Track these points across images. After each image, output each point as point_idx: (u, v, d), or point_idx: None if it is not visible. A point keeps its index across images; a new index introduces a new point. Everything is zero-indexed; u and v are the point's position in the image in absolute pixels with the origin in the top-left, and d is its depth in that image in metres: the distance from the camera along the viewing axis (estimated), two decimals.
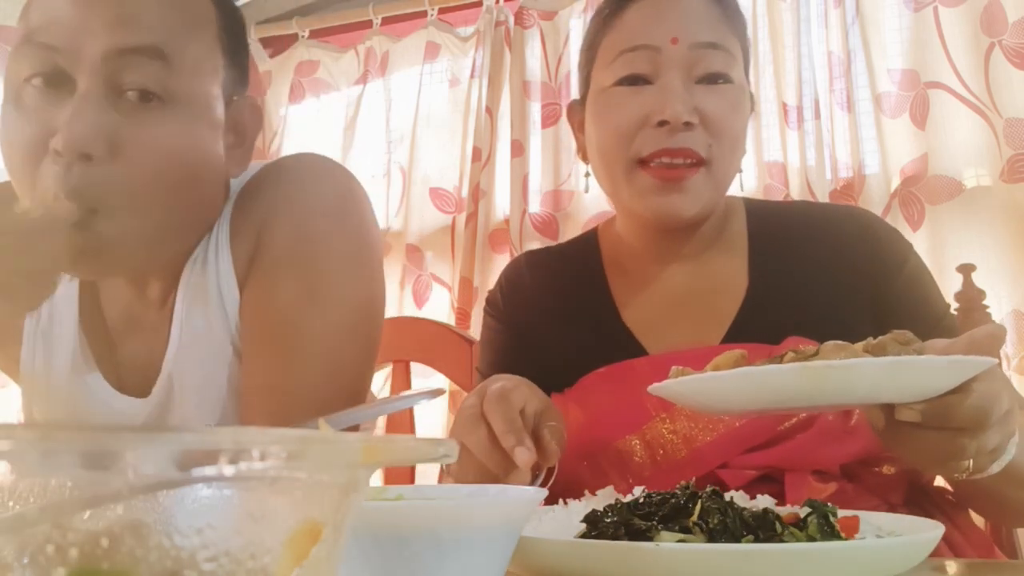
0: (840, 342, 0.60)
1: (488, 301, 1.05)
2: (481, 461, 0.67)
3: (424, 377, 1.38)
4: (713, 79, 0.87)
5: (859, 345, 0.59)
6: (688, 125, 0.84)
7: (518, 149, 1.92)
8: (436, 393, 0.68)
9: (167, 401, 0.79)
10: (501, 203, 1.95)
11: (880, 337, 0.60)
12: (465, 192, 1.96)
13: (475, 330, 1.70)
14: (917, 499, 0.82)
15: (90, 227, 0.66)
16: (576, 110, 0.99)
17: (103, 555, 0.19)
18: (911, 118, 1.67)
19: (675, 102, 0.84)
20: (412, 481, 1.26)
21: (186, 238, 0.77)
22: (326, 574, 0.25)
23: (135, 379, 0.81)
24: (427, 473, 1.40)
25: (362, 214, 0.82)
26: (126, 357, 0.82)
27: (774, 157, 1.74)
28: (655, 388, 0.62)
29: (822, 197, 1.67)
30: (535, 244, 1.85)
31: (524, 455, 0.63)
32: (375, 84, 2.12)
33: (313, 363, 0.75)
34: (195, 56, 0.71)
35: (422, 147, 2.03)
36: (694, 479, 0.60)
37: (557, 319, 0.96)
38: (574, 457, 0.81)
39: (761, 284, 0.90)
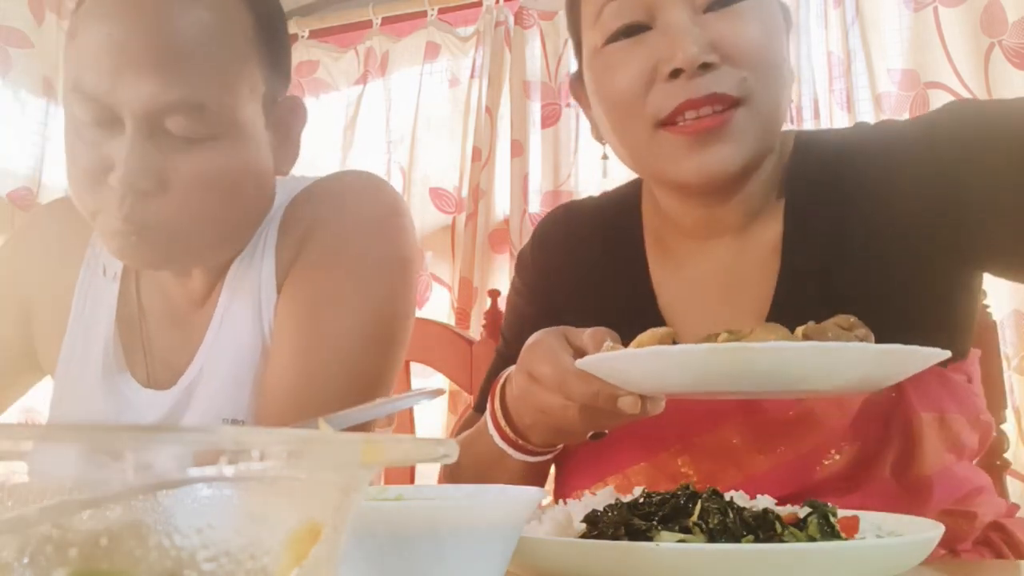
0: (777, 325, 0.56)
1: (518, 259, 0.95)
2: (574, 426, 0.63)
3: (423, 377, 1.38)
4: (724, 1, 0.70)
5: (799, 329, 0.56)
6: (707, 66, 0.68)
7: (518, 149, 1.92)
8: (436, 393, 0.68)
9: (190, 395, 0.82)
10: (501, 203, 1.95)
11: (823, 321, 0.57)
12: (465, 192, 1.96)
13: (475, 330, 1.70)
14: (993, 541, 0.74)
15: (142, 236, 0.73)
16: (577, 85, 0.83)
17: (103, 555, 0.19)
18: (911, 118, 1.67)
19: (684, 42, 0.68)
20: (412, 481, 1.26)
21: (233, 243, 0.82)
22: (326, 574, 0.25)
23: (164, 372, 0.84)
24: (427, 474, 1.40)
25: (402, 231, 0.85)
26: (160, 350, 0.85)
27: None
28: (581, 362, 0.59)
29: None
30: None
31: (629, 402, 0.58)
32: (375, 84, 2.13)
33: (332, 366, 0.77)
34: (235, 93, 0.74)
35: (422, 147, 2.04)
36: (694, 479, 0.59)
37: (586, 290, 0.85)
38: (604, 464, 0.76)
39: (797, 256, 0.74)
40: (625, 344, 0.61)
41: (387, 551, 0.44)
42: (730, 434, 0.72)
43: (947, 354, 0.54)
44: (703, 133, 0.70)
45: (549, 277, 0.88)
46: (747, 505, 0.55)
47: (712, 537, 0.50)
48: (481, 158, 1.94)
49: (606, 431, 0.70)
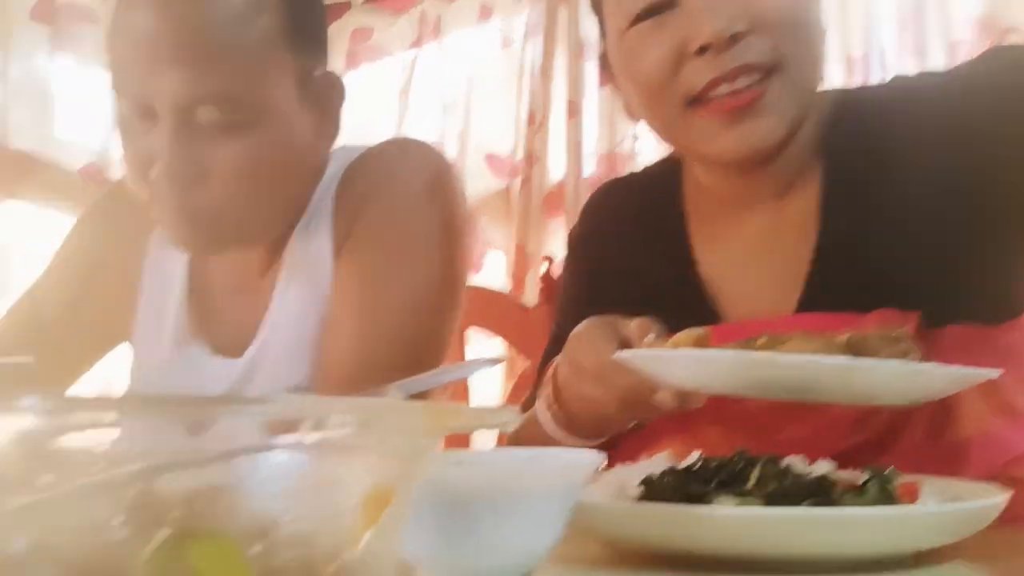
0: (817, 333, 0.55)
1: (568, 238, 0.96)
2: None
3: (480, 344, 1.40)
4: None
5: (842, 337, 0.54)
6: (736, 37, 0.66)
7: (573, 111, 1.90)
8: (496, 361, 0.70)
9: (256, 364, 0.85)
10: (555, 167, 1.94)
11: (869, 332, 0.55)
12: (519, 156, 1.95)
13: (530, 296, 1.71)
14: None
15: (193, 225, 0.76)
16: (604, 65, 0.83)
17: (200, 516, 0.20)
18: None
19: (710, 15, 0.66)
20: (468, 446, 1.29)
21: (284, 220, 0.84)
22: (395, 535, 0.26)
23: (231, 340, 0.88)
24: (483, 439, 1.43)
25: (452, 199, 0.86)
26: (226, 319, 0.89)
27: None
28: (617, 356, 0.60)
29: None
30: None
31: (666, 396, 0.59)
32: (429, 48, 2.12)
33: (388, 335, 0.80)
34: (264, 80, 0.76)
35: (476, 111, 2.03)
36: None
37: (630, 263, 0.84)
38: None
39: (836, 220, 0.72)
40: (668, 325, 0.62)
41: (447, 514, 0.46)
42: (763, 402, 0.69)
43: (993, 373, 0.52)
44: (737, 109, 0.68)
45: (596, 254, 0.89)
46: (804, 471, 0.55)
47: (770, 502, 0.50)
48: (535, 121, 1.93)
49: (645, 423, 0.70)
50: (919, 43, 1.62)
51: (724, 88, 0.68)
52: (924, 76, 0.82)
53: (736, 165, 0.75)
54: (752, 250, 0.78)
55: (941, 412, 0.68)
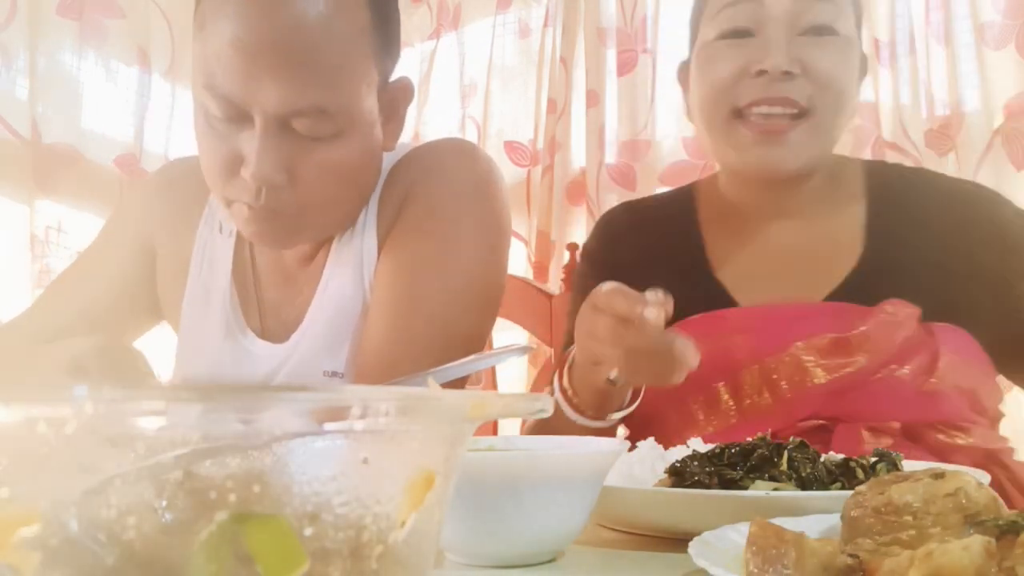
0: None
1: (584, 251, 1.07)
2: (610, 350, 0.67)
3: (503, 331, 1.40)
4: (818, 31, 0.86)
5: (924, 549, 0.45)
6: (788, 74, 0.84)
7: (593, 99, 1.89)
8: (525, 350, 0.71)
9: (299, 349, 0.88)
10: (577, 155, 1.93)
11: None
12: (540, 145, 1.95)
13: (553, 284, 1.71)
14: (995, 474, 0.80)
15: (275, 223, 0.79)
16: (684, 69, 0.99)
17: (255, 499, 0.21)
18: (1017, 49, 1.56)
19: (775, 51, 0.84)
20: (495, 433, 1.30)
21: (352, 218, 0.88)
22: (437, 517, 0.27)
23: (277, 326, 0.90)
24: (508, 426, 1.44)
25: (495, 198, 0.89)
26: (272, 305, 0.92)
27: (865, 96, 1.65)
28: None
29: (916, 137, 1.59)
30: (613, 196, 1.83)
31: (653, 312, 0.63)
32: (448, 38, 2.12)
33: (427, 324, 0.82)
34: (356, 92, 0.78)
35: (496, 100, 2.03)
36: (770, 431, 0.60)
37: (649, 271, 0.93)
38: (663, 398, 0.82)
39: (878, 250, 0.89)
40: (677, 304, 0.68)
41: (474, 500, 0.47)
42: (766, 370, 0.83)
43: None
44: (769, 134, 0.86)
45: (614, 261, 0.99)
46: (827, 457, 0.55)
47: (804, 486, 0.51)
48: (556, 109, 1.92)
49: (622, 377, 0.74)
50: (947, 25, 1.60)
51: (764, 109, 0.85)
52: (932, 176, 1.01)
53: (765, 180, 0.90)
54: (776, 258, 0.92)
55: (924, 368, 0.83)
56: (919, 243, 0.89)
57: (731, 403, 0.84)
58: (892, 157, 1.61)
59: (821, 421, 0.82)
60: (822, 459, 0.55)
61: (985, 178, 1.53)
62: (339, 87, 0.76)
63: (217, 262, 0.93)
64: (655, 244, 0.98)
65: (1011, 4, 1.57)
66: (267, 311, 0.91)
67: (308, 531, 0.22)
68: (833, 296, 0.86)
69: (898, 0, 1.64)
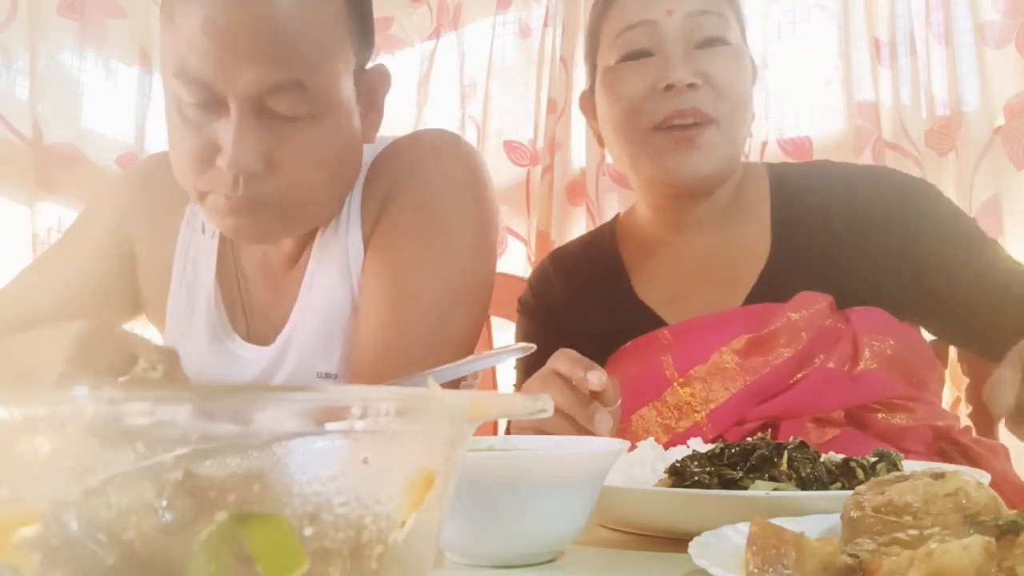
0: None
1: (520, 301, 1.11)
2: (562, 414, 0.68)
3: (502, 331, 1.40)
4: (711, 43, 0.93)
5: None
6: (692, 86, 0.90)
7: None
8: (526, 349, 0.70)
9: (287, 350, 0.86)
10: (577, 155, 1.93)
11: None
12: (540, 144, 1.95)
13: None
14: (948, 451, 0.85)
15: (253, 215, 0.76)
16: (587, 98, 1.04)
17: (255, 499, 0.21)
18: (1017, 49, 1.56)
19: (677, 65, 0.90)
20: (496, 433, 1.30)
21: (333, 211, 0.86)
22: (437, 517, 0.27)
23: (263, 328, 0.89)
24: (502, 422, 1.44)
25: (483, 191, 0.87)
26: (257, 307, 0.90)
27: (865, 97, 1.66)
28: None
29: (917, 137, 1.59)
30: (612, 196, 1.83)
31: (596, 376, 0.65)
32: (448, 38, 2.12)
33: (421, 323, 0.81)
34: (332, 70, 0.76)
35: (496, 100, 2.03)
36: (769, 432, 0.61)
37: (580, 309, 1.01)
38: None
39: (784, 247, 0.94)
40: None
41: (474, 500, 0.47)
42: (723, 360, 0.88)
43: None
44: (683, 142, 0.91)
45: (547, 307, 1.05)
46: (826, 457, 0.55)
47: (803, 485, 0.51)
48: (556, 109, 1.93)
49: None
50: (947, 25, 1.60)
51: (677, 121, 0.91)
52: (834, 166, 1.06)
53: (685, 189, 0.96)
54: (692, 269, 0.97)
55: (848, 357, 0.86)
56: (824, 233, 0.93)
57: (657, 426, 0.87)
58: (892, 157, 1.61)
59: (763, 422, 0.84)
60: (822, 459, 0.55)
61: (985, 178, 1.53)
62: (315, 62, 0.74)
63: (200, 264, 0.91)
64: (583, 284, 1.03)
65: (1011, 4, 1.57)
66: (253, 314, 0.90)
67: (308, 531, 0.22)
68: (750, 298, 0.91)
69: (898, 0, 1.64)
